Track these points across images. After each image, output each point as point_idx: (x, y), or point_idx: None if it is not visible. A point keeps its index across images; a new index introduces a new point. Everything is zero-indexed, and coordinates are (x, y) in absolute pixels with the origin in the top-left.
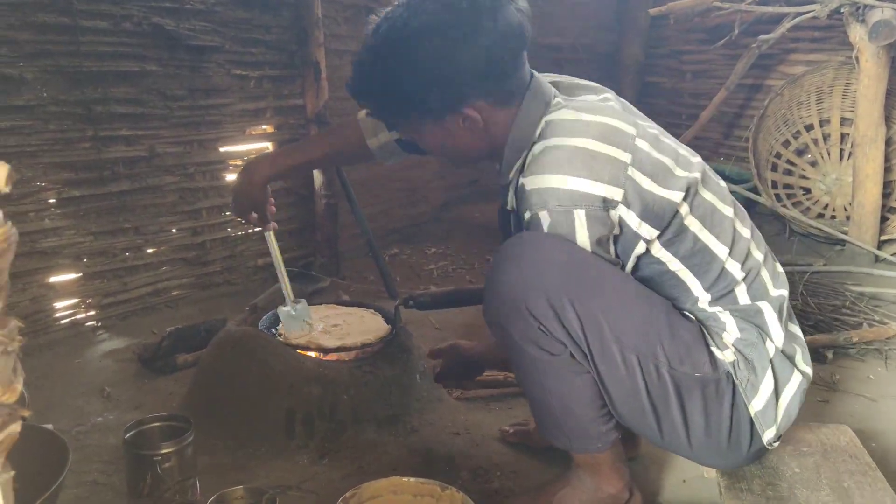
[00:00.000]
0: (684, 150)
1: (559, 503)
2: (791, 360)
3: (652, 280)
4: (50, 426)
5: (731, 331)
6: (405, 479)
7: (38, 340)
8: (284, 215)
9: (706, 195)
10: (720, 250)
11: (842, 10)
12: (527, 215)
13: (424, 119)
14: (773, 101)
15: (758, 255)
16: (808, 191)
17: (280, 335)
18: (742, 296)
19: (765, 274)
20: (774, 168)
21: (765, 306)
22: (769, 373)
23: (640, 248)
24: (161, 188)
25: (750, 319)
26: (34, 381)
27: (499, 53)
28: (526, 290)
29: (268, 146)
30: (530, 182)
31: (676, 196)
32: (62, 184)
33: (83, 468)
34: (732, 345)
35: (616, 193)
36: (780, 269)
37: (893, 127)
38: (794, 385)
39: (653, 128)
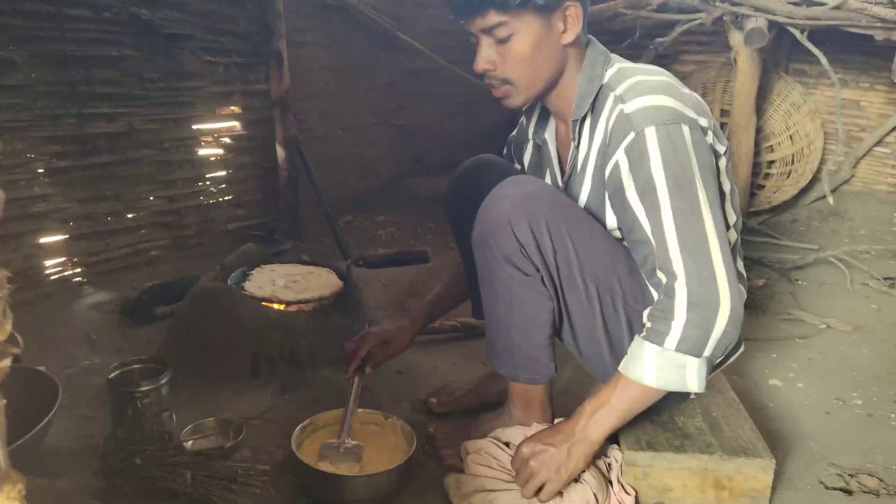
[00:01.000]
0: None
1: (484, 423)
2: None
3: None
4: (42, 368)
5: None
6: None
7: (30, 294)
8: (251, 185)
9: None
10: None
11: (724, 18)
12: (629, 138)
13: (531, 8)
14: None
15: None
16: None
17: (245, 290)
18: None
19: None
20: None
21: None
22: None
23: None
24: (139, 160)
25: None
26: (28, 329)
27: None
28: (515, 212)
29: (236, 125)
30: (629, 106)
31: (721, 148)
32: (50, 155)
33: (73, 404)
34: None
35: (704, 122)
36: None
37: (762, 118)
38: None
39: None
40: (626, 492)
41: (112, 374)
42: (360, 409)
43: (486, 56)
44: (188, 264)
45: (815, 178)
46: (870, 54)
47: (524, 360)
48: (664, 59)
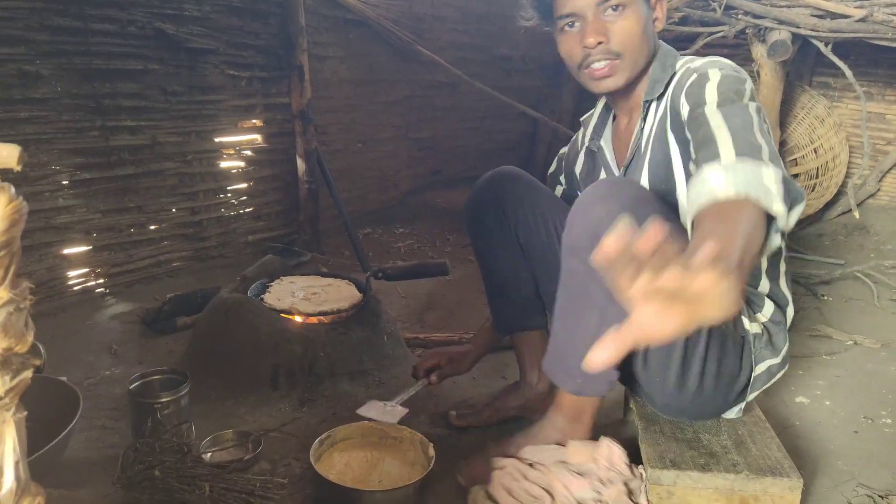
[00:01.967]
0: None
1: (521, 437)
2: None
3: None
4: (64, 378)
5: (766, 313)
6: (372, 423)
7: (52, 304)
8: (272, 198)
9: None
10: None
11: (746, 31)
12: (692, 78)
13: None
14: None
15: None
16: None
17: (265, 302)
18: (784, 277)
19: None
20: None
21: (789, 300)
22: (782, 350)
23: None
24: (162, 172)
25: (780, 306)
26: (50, 339)
27: None
28: (606, 225)
29: (257, 138)
30: (695, 63)
31: None
32: (74, 167)
33: (94, 414)
34: (763, 323)
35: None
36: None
37: (786, 131)
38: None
39: None
40: None
41: (132, 385)
42: (378, 423)
43: (598, 28)
44: (209, 276)
45: (840, 192)
46: (895, 67)
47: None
48: None
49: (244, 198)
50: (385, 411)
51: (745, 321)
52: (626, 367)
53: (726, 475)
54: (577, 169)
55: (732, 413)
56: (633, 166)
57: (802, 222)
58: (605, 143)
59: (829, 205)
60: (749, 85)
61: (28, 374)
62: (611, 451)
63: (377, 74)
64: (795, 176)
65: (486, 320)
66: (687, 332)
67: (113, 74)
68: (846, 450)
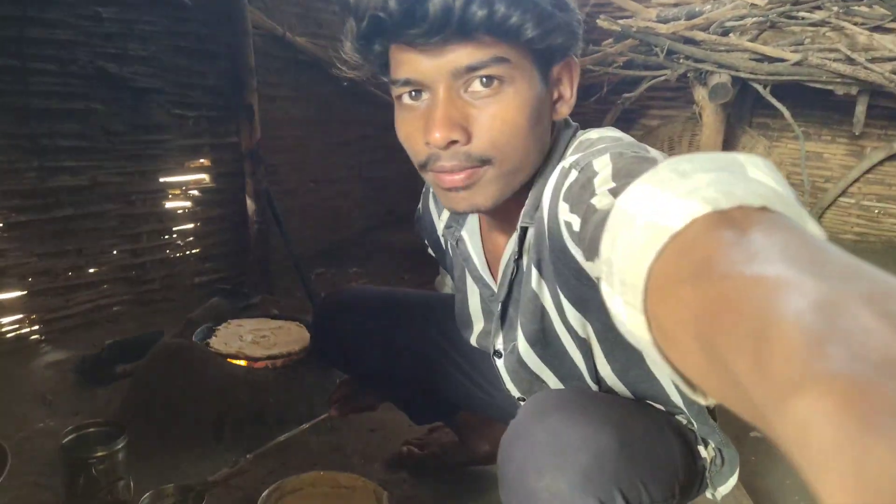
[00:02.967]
0: None
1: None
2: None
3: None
4: None
5: (712, 436)
6: (324, 472)
7: None
8: (220, 239)
9: None
10: None
11: (688, 75)
12: (571, 177)
13: (539, 48)
14: None
15: None
16: None
17: (210, 347)
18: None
19: None
20: None
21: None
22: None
23: None
24: (103, 214)
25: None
26: None
27: None
28: (578, 496)
29: (205, 177)
30: (573, 157)
31: None
32: (9, 210)
33: (24, 470)
34: (714, 446)
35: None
36: None
37: None
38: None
39: None
40: None
41: (65, 439)
42: (330, 473)
43: (452, 116)
44: (152, 320)
45: None
46: (830, 108)
47: None
48: (631, 114)
49: (191, 239)
50: None
51: (701, 450)
52: None
53: None
54: (446, 261)
55: None
56: (511, 311)
57: None
58: (470, 236)
59: None
60: (655, 152)
61: None
62: None
63: (330, 115)
64: None
65: None
66: None
67: (52, 114)
68: (800, 486)
